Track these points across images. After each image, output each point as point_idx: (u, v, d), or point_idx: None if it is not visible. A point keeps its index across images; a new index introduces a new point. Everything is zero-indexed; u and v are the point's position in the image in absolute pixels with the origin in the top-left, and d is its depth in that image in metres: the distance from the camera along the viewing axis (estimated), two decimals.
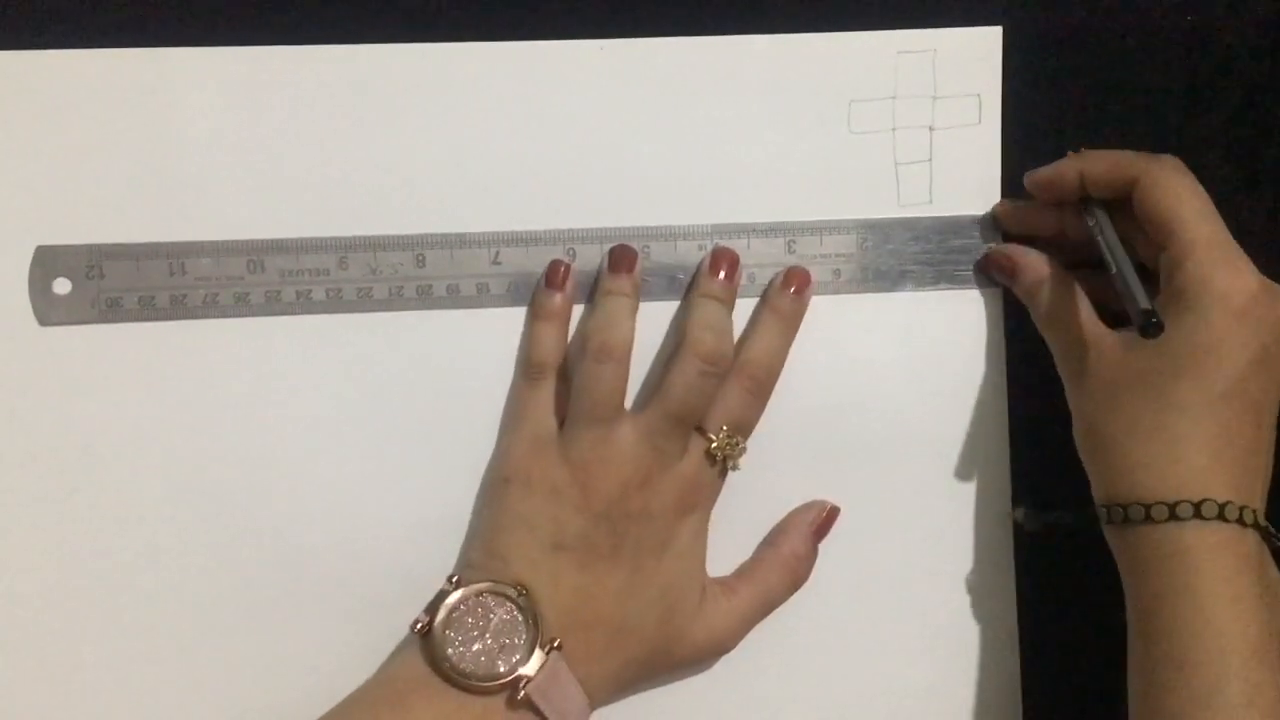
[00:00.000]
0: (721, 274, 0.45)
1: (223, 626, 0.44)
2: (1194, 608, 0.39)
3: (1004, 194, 0.47)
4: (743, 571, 0.46)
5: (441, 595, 0.41)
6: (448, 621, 0.40)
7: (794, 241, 0.46)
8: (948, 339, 0.47)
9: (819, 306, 0.47)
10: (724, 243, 0.46)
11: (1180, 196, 0.41)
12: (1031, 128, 0.47)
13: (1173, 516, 0.39)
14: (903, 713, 0.48)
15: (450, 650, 0.40)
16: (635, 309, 0.45)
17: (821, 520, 0.46)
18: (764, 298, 0.46)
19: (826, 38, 0.46)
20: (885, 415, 0.47)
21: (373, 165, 0.45)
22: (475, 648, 0.40)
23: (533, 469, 0.43)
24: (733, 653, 0.45)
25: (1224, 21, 0.47)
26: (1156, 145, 0.47)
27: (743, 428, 0.44)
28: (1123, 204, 0.43)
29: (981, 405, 0.47)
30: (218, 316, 0.44)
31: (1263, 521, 0.40)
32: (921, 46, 0.46)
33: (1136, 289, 0.40)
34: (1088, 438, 0.43)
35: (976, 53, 0.47)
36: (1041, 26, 0.47)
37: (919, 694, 0.48)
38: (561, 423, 0.44)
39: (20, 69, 0.43)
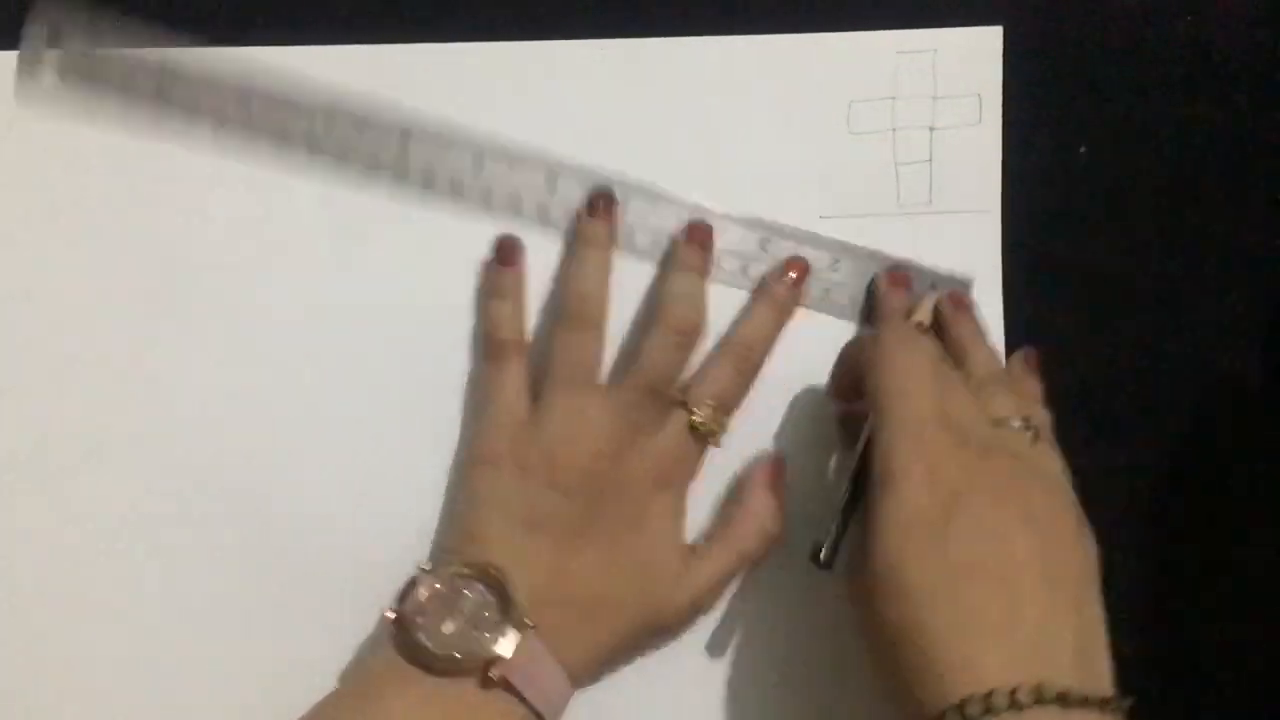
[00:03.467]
0: (697, 245, 0.45)
1: (212, 622, 0.45)
2: None
3: (1004, 194, 0.46)
4: (712, 533, 0.45)
5: (412, 583, 0.40)
6: (419, 607, 0.39)
7: (768, 241, 0.46)
8: None
9: None
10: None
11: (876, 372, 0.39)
12: (1031, 128, 0.47)
13: (1038, 701, 0.33)
14: None
15: (421, 635, 0.39)
16: (610, 262, 0.45)
17: (774, 470, 0.45)
18: (762, 281, 0.46)
19: (826, 38, 0.46)
20: None
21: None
22: (448, 631, 0.39)
23: (503, 448, 0.42)
24: (729, 650, 0.45)
25: (1223, 21, 0.47)
26: (1156, 145, 0.47)
27: (728, 404, 0.44)
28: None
29: None
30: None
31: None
32: (921, 46, 0.46)
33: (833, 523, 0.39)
34: (914, 584, 0.35)
35: (976, 53, 0.47)
36: (1041, 26, 0.47)
37: None
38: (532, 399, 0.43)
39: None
